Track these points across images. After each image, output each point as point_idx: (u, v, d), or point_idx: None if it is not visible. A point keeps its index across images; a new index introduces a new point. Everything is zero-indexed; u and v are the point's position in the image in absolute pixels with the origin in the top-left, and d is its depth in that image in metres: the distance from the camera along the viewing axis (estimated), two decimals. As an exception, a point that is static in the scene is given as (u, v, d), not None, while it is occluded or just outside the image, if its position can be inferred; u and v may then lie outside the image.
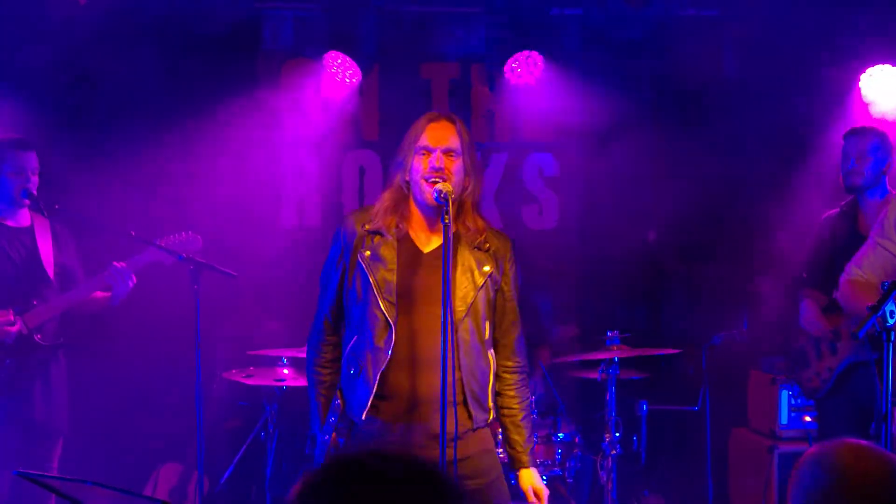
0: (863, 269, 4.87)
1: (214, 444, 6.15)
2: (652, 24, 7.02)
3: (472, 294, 4.07)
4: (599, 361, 6.08)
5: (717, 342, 6.73)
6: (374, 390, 4.03)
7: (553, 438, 6.09)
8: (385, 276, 4.05)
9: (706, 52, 7.27)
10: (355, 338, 4.11)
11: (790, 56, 7.13)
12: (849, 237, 5.81)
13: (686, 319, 7.16)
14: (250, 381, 6.27)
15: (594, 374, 6.15)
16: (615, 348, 6.07)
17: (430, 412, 3.99)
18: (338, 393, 4.20)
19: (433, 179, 4.01)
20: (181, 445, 6.45)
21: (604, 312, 7.36)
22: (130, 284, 5.67)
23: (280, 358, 6.30)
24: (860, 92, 7.03)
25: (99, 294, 5.73)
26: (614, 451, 6.03)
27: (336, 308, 4.21)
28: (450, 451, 3.86)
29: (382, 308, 4.02)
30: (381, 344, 4.03)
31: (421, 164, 4.05)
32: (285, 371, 6.29)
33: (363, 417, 4.06)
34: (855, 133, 5.90)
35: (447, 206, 3.91)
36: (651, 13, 6.93)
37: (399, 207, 4.13)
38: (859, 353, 5.70)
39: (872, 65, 6.99)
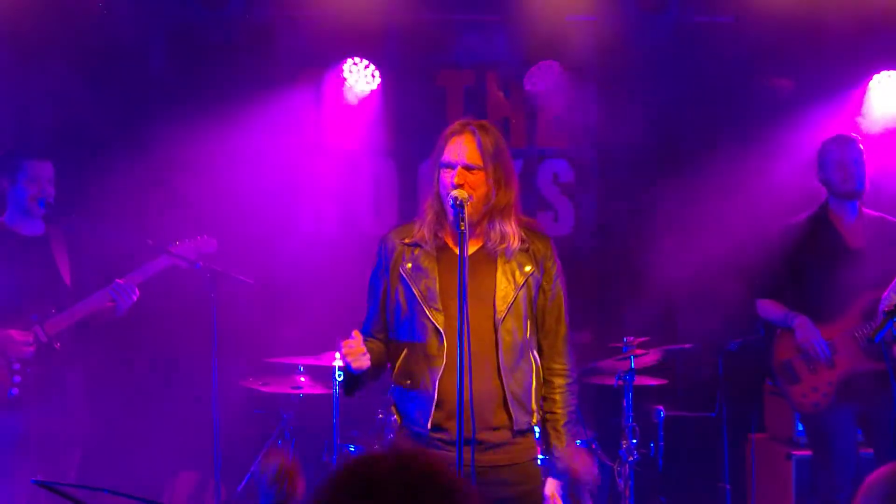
0: None
1: (231, 452, 6.15)
2: (667, 31, 7.01)
3: (511, 294, 4.07)
4: (616, 368, 6.07)
5: (734, 348, 6.71)
6: (436, 398, 4.03)
7: (570, 445, 6.07)
8: (428, 284, 4.09)
9: (721, 58, 7.25)
10: (405, 350, 4.13)
11: (804, 62, 7.13)
12: (832, 248, 5.85)
13: (702, 326, 7.13)
14: (267, 389, 6.29)
15: (610, 381, 6.13)
16: (631, 354, 6.05)
17: (473, 414, 3.95)
18: (392, 409, 4.25)
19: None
20: (198, 453, 6.45)
21: (620, 319, 7.34)
22: (134, 298, 5.68)
23: (297, 366, 6.31)
24: (870, 97, 7.09)
25: (105, 306, 5.73)
26: (631, 458, 6.02)
27: (380, 323, 4.24)
28: (486, 456, 3.90)
29: (430, 316, 4.06)
30: (435, 351, 4.06)
31: (445, 179, 4.08)
32: (302, 379, 6.31)
33: (429, 427, 4.05)
34: (846, 141, 5.97)
35: (462, 212, 3.94)
36: (666, 20, 6.92)
37: (438, 218, 4.15)
38: (859, 363, 5.71)
39: (880, 70, 7.05)
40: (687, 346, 6.29)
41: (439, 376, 4.03)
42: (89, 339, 5.83)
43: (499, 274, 4.09)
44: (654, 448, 6.38)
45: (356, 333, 3.98)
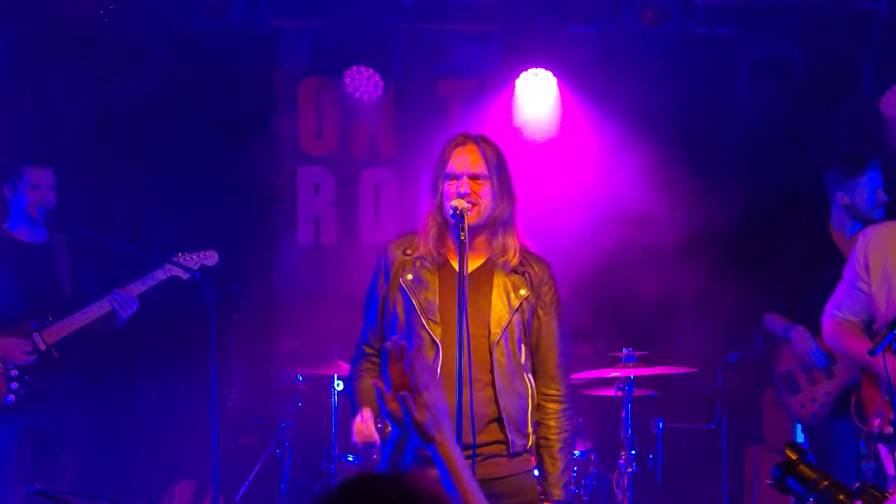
0: (843, 312, 4.89)
1: (229, 461, 6.14)
2: (668, 43, 7.02)
3: (507, 317, 4.07)
4: (615, 379, 6.07)
5: (733, 360, 6.71)
6: None
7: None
8: (428, 297, 4.08)
9: (721, 70, 7.26)
10: None
11: (804, 74, 7.14)
12: (834, 261, 5.76)
13: (701, 337, 7.13)
14: (266, 398, 6.28)
15: (610, 392, 6.13)
16: (631, 366, 6.05)
17: (468, 429, 3.96)
18: (387, 422, 4.22)
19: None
20: (196, 462, 6.44)
21: (619, 330, 7.33)
22: (133, 308, 5.67)
23: (295, 375, 6.30)
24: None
25: (104, 316, 5.72)
26: (630, 469, 6.02)
27: (378, 332, 4.23)
28: (480, 468, 3.86)
29: (428, 328, 4.05)
30: (430, 364, 4.03)
31: (449, 190, 4.07)
32: (301, 388, 6.30)
33: None
34: (884, 164, 5.81)
35: (462, 222, 3.94)
36: (666, 31, 6.92)
37: (440, 231, 4.14)
38: (858, 375, 5.63)
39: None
40: (688, 369, 6.25)
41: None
42: (88, 347, 5.82)
43: (494, 295, 4.09)
44: (653, 459, 6.37)
45: (366, 413, 3.98)
